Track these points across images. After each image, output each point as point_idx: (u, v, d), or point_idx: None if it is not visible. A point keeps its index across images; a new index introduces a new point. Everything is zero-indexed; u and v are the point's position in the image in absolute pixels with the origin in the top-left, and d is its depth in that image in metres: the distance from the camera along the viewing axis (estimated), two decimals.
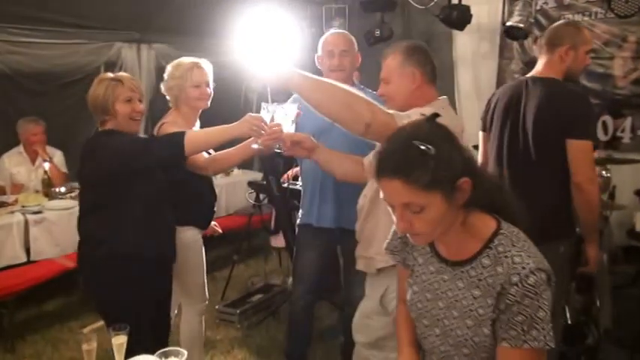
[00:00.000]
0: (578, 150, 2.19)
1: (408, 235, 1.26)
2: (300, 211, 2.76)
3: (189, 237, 2.52)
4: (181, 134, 2.13)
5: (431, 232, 1.23)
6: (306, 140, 1.99)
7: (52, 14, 3.98)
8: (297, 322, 2.83)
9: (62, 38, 4.12)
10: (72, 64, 4.25)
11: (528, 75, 2.47)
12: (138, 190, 2.18)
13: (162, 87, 2.54)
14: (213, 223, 2.84)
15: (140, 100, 2.23)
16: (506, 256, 1.20)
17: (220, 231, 2.94)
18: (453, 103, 4.76)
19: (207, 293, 2.72)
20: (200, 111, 2.56)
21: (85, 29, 4.18)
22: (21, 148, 4.13)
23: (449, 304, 1.29)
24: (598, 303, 3.00)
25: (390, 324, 1.86)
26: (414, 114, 1.61)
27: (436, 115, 1.24)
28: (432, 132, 1.20)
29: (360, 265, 2.04)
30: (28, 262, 3.60)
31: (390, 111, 1.60)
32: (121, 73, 2.32)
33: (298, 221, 2.76)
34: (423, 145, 1.14)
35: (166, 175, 2.32)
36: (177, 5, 4.37)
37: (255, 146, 2.11)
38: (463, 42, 4.98)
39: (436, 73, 1.89)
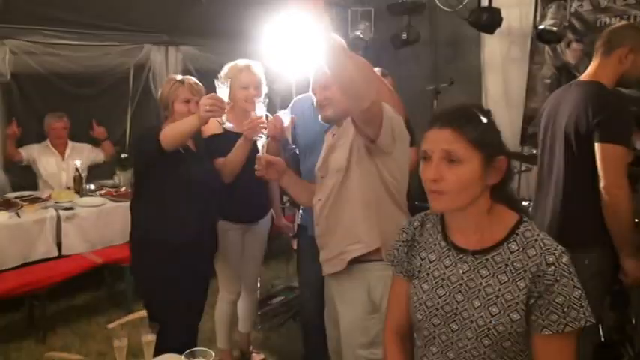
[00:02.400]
0: (605, 154, 2.17)
1: (431, 189, 1.30)
2: (300, 211, 2.83)
3: (220, 228, 2.75)
4: (158, 130, 2.30)
5: (456, 194, 1.29)
6: (279, 163, 2.17)
7: (85, 17, 4.20)
8: (309, 326, 2.83)
9: (95, 40, 4.35)
10: (104, 66, 4.48)
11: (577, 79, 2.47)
12: (167, 180, 2.38)
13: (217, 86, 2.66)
14: (285, 222, 3.20)
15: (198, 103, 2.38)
16: (535, 240, 1.29)
17: (290, 231, 3.17)
18: (479, 103, 4.80)
19: (237, 285, 2.96)
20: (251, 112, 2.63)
21: (116, 32, 4.40)
22: (47, 142, 4.44)
23: (469, 294, 1.32)
24: (634, 320, 2.91)
25: (381, 318, 1.91)
26: (389, 107, 1.83)
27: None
28: (486, 111, 1.35)
29: (329, 269, 2.08)
30: (59, 256, 3.83)
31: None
32: (187, 77, 2.55)
33: (298, 220, 2.86)
34: (480, 112, 1.31)
35: (204, 168, 2.52)
36: (205, 8, 4.53)
37: (259, 139, 2.29)
38: (492, 46, 4.97)
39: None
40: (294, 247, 4.22)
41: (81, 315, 3.96)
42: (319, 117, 2.15)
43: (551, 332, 1.24)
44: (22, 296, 3.59)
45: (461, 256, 1.37)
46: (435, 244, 1.43)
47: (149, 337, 1.78)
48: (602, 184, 2.19)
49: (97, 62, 4.42)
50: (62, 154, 4.45)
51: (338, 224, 2.03)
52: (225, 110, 2.19)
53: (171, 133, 2.26)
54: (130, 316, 2.18)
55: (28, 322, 3.78)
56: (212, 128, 2.70)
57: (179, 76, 2.54)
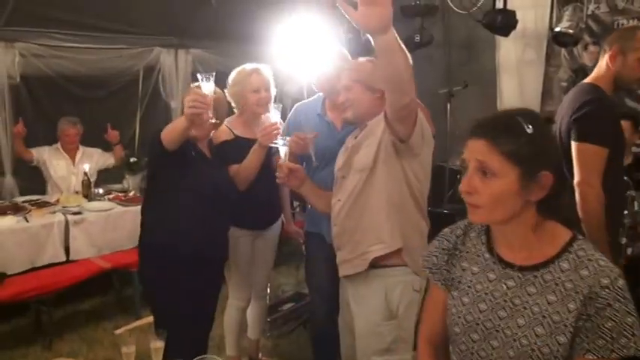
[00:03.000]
0: (578, 152, 2.22)
1: (468, 201, 1.26)
2: (307, 217, 2.82)
3: (230, 234, 2.70)
4: (159, 132, 2.29)
5: (491, 208, 1.23)
6: (299, 171, 2.19)
7: (94, 20, 4.24)
8: (320, 332, 2.82)
9: (104, 43, 4.40)
10: (114, 69, 4.54)
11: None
12: (177, 185, 2.38)
13: (226, 93, 2.69)
14: (296, 228, 3.16)
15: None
16: (589, 260, 1.21)
17: (301, 238, 3.06)
18: (494, 110, 4.73)
19: (247, 292, 2.94)
20: (262, 117, 2.65)
21: (126, 34, 4.47)
22: (58, 145, 4.47)
23: (514, 312, 1.26)
24: None
25: (399, 326, 1.97)
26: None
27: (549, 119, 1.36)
28: (537, 118, 1.26)
29: (348, 270, 2.07)
30: (67, 261, 3.82)
31: None
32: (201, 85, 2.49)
33: (306, 227, 2.80)
34: (524, 122, 1.20)
35: (217, 175, 2.51)
36: (215, 10, 4.56)
37: (279, 145, 2.26)
38: (507, 48, 4.98)
39: None
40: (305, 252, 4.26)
41: (88, 321, 3.94)
42: (342, 117, 2.19)
43: (595, 357, 1.18)
44: (28, 301, 3.57)
45: (507, 270, 1.30)
46: (479, 256, 1.37)
47: (157, 344, 1.77)
48: (575, 181, 2.23)
49: (106, 65, 4.47)
50: (73, 158, 4.48)
51: (359, 224, 2.02)
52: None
53: (167, 132, 2.26)
54: (138, 322, 2.17)
55: (34, 328, 3.76)
56: (223, 135, 2.69)
57: (196, 84, 2.44)
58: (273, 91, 2.75)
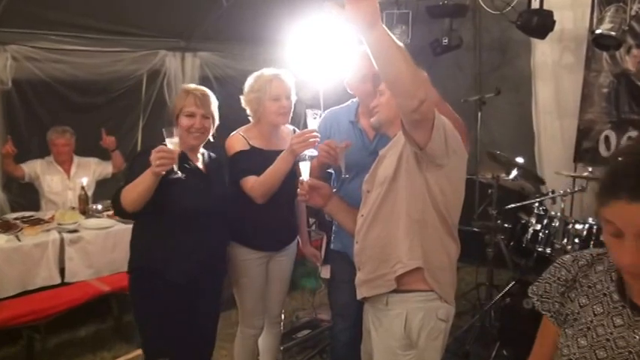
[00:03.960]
0: None
1: (628, 271, 1.12)
2: (333, 235, 2.75)
3: (236, 255, 2.70)
4: (120, 190, 2.28)
5: None
6: (324, 188, 2.17)
7: (94, 21, 4.13)
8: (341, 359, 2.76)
9: (105, 46, 4.29)
10: (114, 73, 4.42)
11: None
12: (165, 205, 2.32)
13: (242, 100, 2.66)
14: (312, 250, 3.13)
15: (206, 117, 2.43)
16: None
17: (318, 261, 3.10)
18: (529, 119, 4.71)
19: (259, 319, 2.88)
20: (280, 127, 2.68)
21: (128, 37, 4.36)
22: (51, 157, 4.33)
23: None
24: None
25: (420, 358, 1.92)
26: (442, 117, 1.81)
27: None
28: None
29: (365, 291, 2.04)
30: (62, 283, 3.70)
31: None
32: (199, 87, 2.53)
33: (332, 245, 2.75)
34: None
35: (212, 193, 2.48)
36: (224, 12, 4.45)
37: (310, 155, 2.30)
38: (543, 51, 4.72)
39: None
40: (322, 275, 4.15)
41: (84, 350, 3.82)
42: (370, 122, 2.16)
43: None
44: (20, 327, 3.46)
45: (639, 319, 1.17)
46: (605, 295, 1.24)
47: None
48: None
49: (107, 69, 4.36)
50: (67, 171, 4.35)
51: (379, 240, 1.99)
52: (175, 159, 2.16)
53: (130, 195, 2.23)
54: (139, 351, 2.19)
55: (26, 357, 3.63)
56: (237, 144, 2.64)
57: (191, 86, 2.53)
58: (294, 99, 2.68)
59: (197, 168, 2.49)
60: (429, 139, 1.77)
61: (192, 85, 2.55)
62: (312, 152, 2.33)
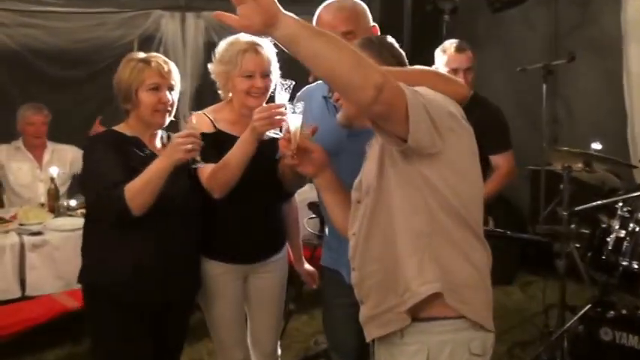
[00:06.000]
0: None
1: None
2: (324, 246, 2.57)
3: (207, 270, 2.52)
4: (121, 189, 2.15)
5: None
6: (317, 152, 2.00)
7: None
8: None
9: (86, 6, 4.08)
10: (97, 40, 4.20)
11: None
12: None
13: (210, 70, 2.53)
14: (308, 268, 2.92)
15: (171, 89, 2.31)
16: None
17: (314, 283, 2.91)
18: (618, 92, 4.46)
19: (240, 353, 2.67)
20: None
21: None
22: (20, 142, 4.08)
23: None
24: None
25: None
26: (420, 89, 1.70)
27: None
28: None
29: (374, 331, 1.86)
30: (23, 297, 3.41)
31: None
32: (154, 54, 2.42)
33: (322, 260, 2.55)
34: None
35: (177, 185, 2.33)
36: None
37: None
38: (637, 6, 4.37)
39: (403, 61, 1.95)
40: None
41: None
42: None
43: None
44: None
45: None
46: None
47: None
48: None
49: (88, 35, 4.16)
50: (39, 158, 4.08)
51: (379, 265, 1.83)
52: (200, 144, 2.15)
53: (142, 195, 2.13)
54: None
55: None
56: (201, 126, 2.45)
57: (140, 54, 2.37)
58: (275, 77, 2.45)
59: (154, 155, 2.31)
60: (407, 128, 1.61)
61: (141, 54, 2.38)
62: (276, 133, 2.14)
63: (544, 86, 4.18)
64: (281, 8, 1.41)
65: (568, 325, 3.39)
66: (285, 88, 2.15)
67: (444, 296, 1.72)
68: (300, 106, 2.01)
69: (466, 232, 1.79)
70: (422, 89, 1.71)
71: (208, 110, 2.51)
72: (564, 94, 4.81)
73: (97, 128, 3.98)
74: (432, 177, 1.73)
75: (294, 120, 1.97)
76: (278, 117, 2.13)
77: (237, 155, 2.31)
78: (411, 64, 2.03)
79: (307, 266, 2.95)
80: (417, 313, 1.76)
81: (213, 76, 2.51)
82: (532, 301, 4.33)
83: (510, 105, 4.39)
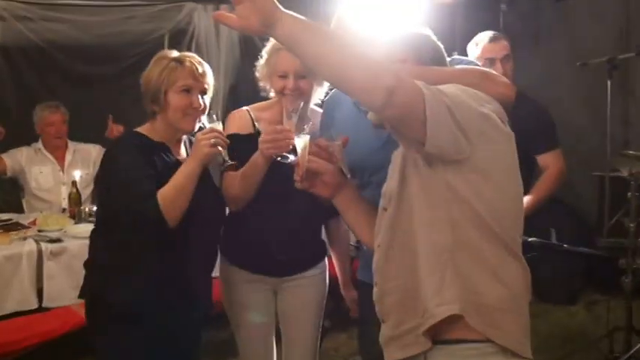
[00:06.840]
0: None
1: None
2: (361, 259, 2.56)
3: (228, 276, 2.55)
4: (153, 195, 2.12)
5: None
6: (329, 173, 1.98)
7: None
8: None
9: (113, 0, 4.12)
10: (127, 34, 4.22)
11: None
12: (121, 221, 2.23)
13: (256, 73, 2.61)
14: (354, 295, 2.81)
15: (204, 93, 2.29)
16: None
17: (355, 313, 2.79)
18: None
19: None
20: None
21: None
22: (39, 143, 4.07)
23: None
24: None
25: None
26: (446, 87, 1.65)
27: None
28: None
29: (394, 353, 1.83)
30: (40, 309, 3.37)
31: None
32: (188, 53, 2.42)
33: (358, 274, 2.55)
34: None
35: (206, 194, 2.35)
36: None
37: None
38: None
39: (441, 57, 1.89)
40: None
41: None
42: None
43: None
44: None
45: None
46: None
47: None
48: None
49: (117, 29, 4.18)
50: (61, 160, 4.04)
51: (396, 280, 1.81)
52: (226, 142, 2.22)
53: (176, 201, 2.13)
54: None
55: None
56: (236, 124, 2.49)
57: (172, 53, 2.33)
58: (318, 82, 2.44)
59: (179, 163, 2.26)
60: (425, 131, 1.58)
61: (174, 52, 2.34)
62: (290, 157, 2.11)
63: (609, 82, 3.95)
64: (280, 7, 1.40)
65: (634, 350, 3.35)
66: (294, 110, 2.19)
67: (465, 318, 1.66)
68: (306, 127, 2.02)
69: (498, 249, 1.71)
70: (452, 87, 1.64)
71: (253, 107, 2.51)
72: (627, 93, 4.59)
73: (115, 128, 3.98)
74: (458, 186, 1.67)
75: (300, 143, 1.97)
76: (285, 141, 2.14)
77: (247, 173, 2.33)
78: None
79: (354, 293, 2.83)
80: (440, 335, 1.71)
81: (257, 75, 2.50)
82: (597, 323, 4.13)
83: (575, 103, 4.26)
